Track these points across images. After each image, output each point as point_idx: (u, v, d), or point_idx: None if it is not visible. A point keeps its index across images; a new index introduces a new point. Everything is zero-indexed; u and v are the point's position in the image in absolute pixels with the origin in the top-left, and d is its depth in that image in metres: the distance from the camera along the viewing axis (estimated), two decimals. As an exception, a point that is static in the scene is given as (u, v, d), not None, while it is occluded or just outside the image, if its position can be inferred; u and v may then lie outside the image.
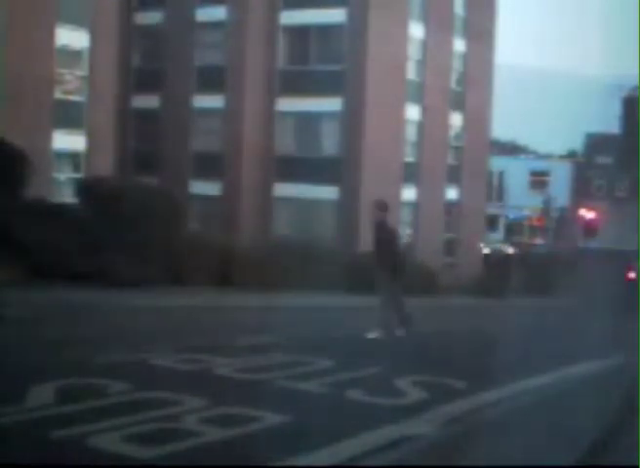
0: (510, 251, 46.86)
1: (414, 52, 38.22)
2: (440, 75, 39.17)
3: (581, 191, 65.42)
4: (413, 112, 38.25)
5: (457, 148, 41.49)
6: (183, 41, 36.88)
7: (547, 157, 71.31)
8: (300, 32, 36.58)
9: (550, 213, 55.71)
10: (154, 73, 37.66)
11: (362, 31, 35.30)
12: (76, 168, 29.68)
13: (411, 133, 38.44)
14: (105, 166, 29.06)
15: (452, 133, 41.19)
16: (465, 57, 41.19)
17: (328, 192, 35.28)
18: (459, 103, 40.82)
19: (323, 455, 5.84)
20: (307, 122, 36.58)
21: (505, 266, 40.25)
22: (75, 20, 28.91)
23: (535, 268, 39.69)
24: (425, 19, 38.34)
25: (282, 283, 20.97)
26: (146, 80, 37.66)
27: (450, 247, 40.24)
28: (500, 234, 59.51)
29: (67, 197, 25.66)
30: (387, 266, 13.84)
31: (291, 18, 36.44)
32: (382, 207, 14.52)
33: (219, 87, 36.23)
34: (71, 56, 29.40)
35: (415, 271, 20.86)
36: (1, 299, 11.35)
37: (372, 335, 13.06)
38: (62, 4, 28.15)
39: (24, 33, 26.64)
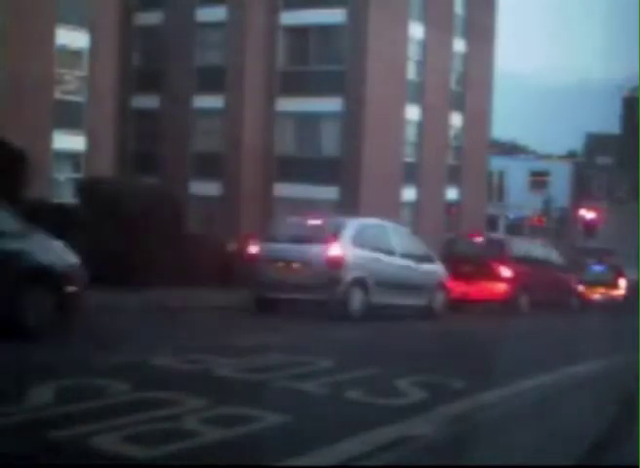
0: None
1: (414, 52, 38.23)
2: (440, 75, 39.17)
3: (581, 191, 65.40)
4: (413, 112, 38.25)
5: (457, 148, 41.49)
6: (183, 41, 36.89)
7: (547, 157, 71.22)
8: (300, 32, 36.59)
9: (550, 213, 55.69)
10: (154, 73, 37.66)
11: (362, 31, 35.31)
12: (76, 168, 29.69)
13: (411, 133, 38.44)
14: (105, 166, 29.07)
15: (452, 133, 41.19)
16: (465, 57, 41.19)
17: (328, 192, 35.27)
18: (459, 103, 40.82)
19: (323, 455, 5.84)
20: (307, 122, 36.58)
21: None
22: (75, 20, 28.93)
23: None
24: (425, 19, 38.34)
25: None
26: (146, 80, 37.66)
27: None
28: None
29: (67, 197, 25.69)
30: None
31: (291, 18, 36.44)
32: None
33: (219, 87, 36.23)
34: (71, 56, 29.41)
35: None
36: None
37: None
38: (62, 4, 28.17)
39: (24, 33, 26.64)
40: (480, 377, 9.64)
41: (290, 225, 17.96)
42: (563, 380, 9.99)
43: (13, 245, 10.46)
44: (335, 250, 16.19)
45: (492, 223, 54.64)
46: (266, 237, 17.39)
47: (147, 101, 37.62)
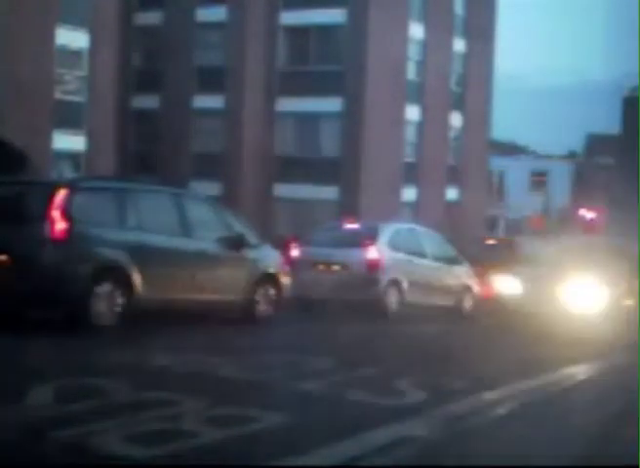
0: None
1: (414, 52, 38.25)
2: (440, 75, 39.20)
3: (581, 191, 65.41)
4: (413, 112, 38.26)
5: (457, 148, 41.50)
6: (183, 41, 36.91)
7: (547, 157, 71.22)
8: (300, 32, 36.61)
9: (550, 213, 55.72)
10: (154, 73, 37.68)
11: (362, 31, 35.34)
12: (76, 168, 29.70)
13: (411, 133, 38.45)
14: (105, 166, 29.08)
15: (452, 133, 41.20)
16: (465, 57, 41.21)
17: (328, 192, 35.28)
18: (459, 103, 40.83)
19: (323, 455, 5.83)
20: (307, 122, 36.60)
21: None
22: (75, 21, 28.95)
23: None
24: (425, 19, 38.36)
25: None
26: (146, 80, 37.69)
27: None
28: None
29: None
30: None
31: (291, 18, 36.47)
32: None
33: (219, 87, 36.26)
34: (71, 56, 29.43)
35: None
36: None
37: None
38: (62, 4, 28.20)
39: (24, 33, 26.65)
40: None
41: (328, 230, 19.34)
42: (564, 380, 10.00)
43: (253, 254, 13.86)
44: (373, 253, 17.17)
45: (492, 223, 54.65)
46: (306, 241, 18.22)
47: (147, 101, 37.64)
